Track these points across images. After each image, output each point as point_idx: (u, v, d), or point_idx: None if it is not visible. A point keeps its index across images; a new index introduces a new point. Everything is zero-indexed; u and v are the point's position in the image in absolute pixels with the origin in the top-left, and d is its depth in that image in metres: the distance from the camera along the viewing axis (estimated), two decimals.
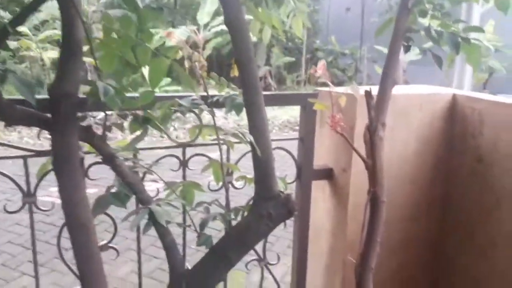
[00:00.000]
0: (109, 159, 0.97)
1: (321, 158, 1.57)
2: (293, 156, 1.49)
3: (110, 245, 1.35)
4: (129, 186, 1.03)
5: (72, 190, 0.94)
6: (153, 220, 1.05)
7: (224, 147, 1.22)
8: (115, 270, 2.75)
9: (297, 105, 1.46)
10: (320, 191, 1.61)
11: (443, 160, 1.55)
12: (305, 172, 1.50)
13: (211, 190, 1.39)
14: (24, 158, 1.18)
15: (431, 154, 1.53)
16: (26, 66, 9.43)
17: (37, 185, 1.21)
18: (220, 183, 1.36)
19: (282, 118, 7.87)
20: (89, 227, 0.96)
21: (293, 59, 10.34)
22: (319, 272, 1.65)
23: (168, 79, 7.64)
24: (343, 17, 10.76)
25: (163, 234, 1.07)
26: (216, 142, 1.20)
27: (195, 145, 1.34)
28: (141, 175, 1.29)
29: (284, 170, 1.51)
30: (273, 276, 1.60)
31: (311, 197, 1.58)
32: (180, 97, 1.15)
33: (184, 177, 1.36)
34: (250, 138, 1.08)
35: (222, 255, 1.06)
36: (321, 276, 1.64)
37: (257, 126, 1.10)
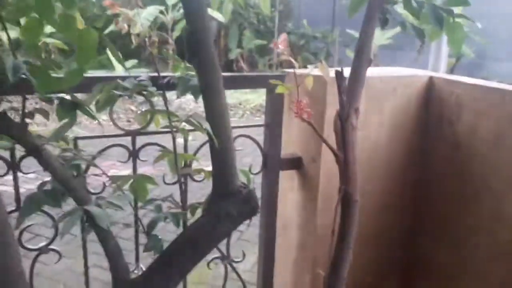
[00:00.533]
0: (33, 151, 0.81)
1: (290, 146, 1.45)
2: (258, 144, 1.36)
3: (51, 247, 1.19)
4: (60, 183, 0.88)
5: None
6: (91, 223, 0.90)
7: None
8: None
9: (262, 87, 1.33)
10: (288, 181, 1.49)
11: (418, 147, 1.45)
12: (272, 161, 1.38)
13: (167, 184, 1.24)
14: None
15: (405, 140, 1.43)
16: None
17: None
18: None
19: (255, 102, 7.72)
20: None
21: (265, 42, 10.14)
22: (287, 267, 1.54)
23: (135, 61, 7.34)
24: None
25: (104, 239, 0.92)
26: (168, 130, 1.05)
27: (147, 133, 1.19)
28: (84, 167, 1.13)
29: (254, 159, 1.38)
30: (238, 275, 1.48)
31: (279, 188, 1.46)
32: (124, 78, 0.99)
33: (134, 169, 1.21)
34: (206, 125, 0.94)
35: (174, 262, 0.92)
36: (290, 272, 1.53)
37: (215, 111, 0.97)
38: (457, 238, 1.39)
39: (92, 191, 1.17)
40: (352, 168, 0.78)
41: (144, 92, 1.05)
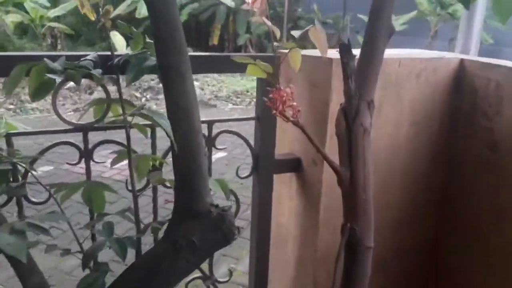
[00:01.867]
0: None
1: (286, 144, 1.19)
2: (247, 142, 1.11)
3: None
4: None
5: None
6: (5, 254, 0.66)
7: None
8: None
9: (241, 72, 1.07)
10: (285, 186, 1.24)
11: (445, 147, 1.18)
12: (264, 163, 1.12)
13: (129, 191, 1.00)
14: None
15: (429, 138, 1.17)
16: None
17: None
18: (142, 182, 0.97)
19: None
20: None
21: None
22: (283, 285, 1.30)
23: None
24: None
25: (25, 274, 0.69)
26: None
27: (101, 129, 0.94)
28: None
29: (245, 159, 1.13)
30: None
31: (275, 193, 1.21)
32: (55, 57, 0.74)
33: (87, 172, 0.96)
34: (162, 122, 0.69)
35: None
36: None
37: (178, 102, 0.71)
38: (491, 256, 1.14)
39: (34, 200, 0.93)
40: (363, 195, 0.53)
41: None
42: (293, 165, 1.16)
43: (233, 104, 6.63)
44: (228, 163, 3.78)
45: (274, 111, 0.52)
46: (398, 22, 7.72)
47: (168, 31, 0.71)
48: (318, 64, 1.03)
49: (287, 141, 1.19)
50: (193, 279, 1.17)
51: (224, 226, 0.70)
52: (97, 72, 0.76)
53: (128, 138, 0.84)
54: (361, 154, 0.54)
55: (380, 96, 1.04)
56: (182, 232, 0.69)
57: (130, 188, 1.00)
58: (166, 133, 0.70)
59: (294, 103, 0.51)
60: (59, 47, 8.85)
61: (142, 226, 0.90)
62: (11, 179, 0.89)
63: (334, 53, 0.86)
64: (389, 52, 1.15)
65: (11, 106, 6.11)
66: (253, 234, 1.22)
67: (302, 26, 10.08)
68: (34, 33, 8.73)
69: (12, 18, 8.19)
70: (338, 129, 0.58)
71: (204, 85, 7.07)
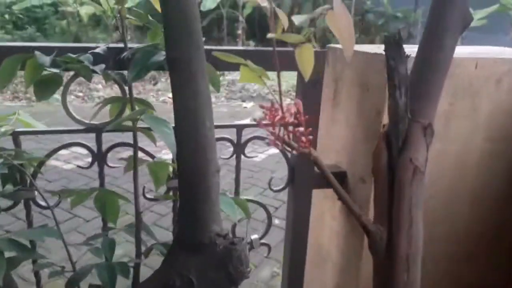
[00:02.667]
0: None
1: (330, 155, 1.03)
2: (282, 152, 0.96)
3: None
4: None
5: None
6: None
7: None
8: None
9: (292, 70, 0.91)
10: (328, 202, 1.07)
11: None
12: (301, 175, 0.97)
13: (148, 199, 0.89)
14: None
15: (507, 159, 0.95)
16: (66, 22, 9.24)
17: None
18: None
19: None
20: None
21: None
22: None
23: None
24: None
25: None
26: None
27: (114, 131, 0.84)
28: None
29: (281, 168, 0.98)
30: None
31: (316, 209, 1.06)
32: (50, 49, 0.64)
33: (101, 178, 0.87)
34: (164, 130, 0.57)
35: None
36: None
37: (186, 105, 0.59)
38: None
39: (43, 204, 0.86)
40: (403, 275, 0.37)
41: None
42: (338, 179, 0.99)
43: (291, 100, 6.46)
44: (279, 160, 3.63)
45: (267, 137, 0.36)
46: (476, 17, 7.09)
47: (181, 19, 0.58)
48: (372, 63, 0.86)
49: (333, 149, 1.03)
50: None
51: (230, 264, 0.56)
52: (99, 67, 0.65)
53: (135, 142, 0.73)
54: (407, 207, 0.37)
55: (448, 105, 0.84)
56: (179, 267, 0.56)
57: (147, 195, 0.90)
58: (169, 147, 0.57)
59: (301, 129, 0.35)
60: (128, 37, 9.17)
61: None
62: (18, 181, 0.82)
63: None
64: (462, 51, 0.94)
65: (80, 94, 6.40)
66: (286, 254, 1.08)
67: (369, 20, 9.63)
68: (106, 24, 9.11)
69: (86, 10, 8.60)
70: (376, 163, 0.42)
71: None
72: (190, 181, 0.59)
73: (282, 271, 1.11)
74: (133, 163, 0.79)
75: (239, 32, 8.77)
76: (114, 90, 6.69)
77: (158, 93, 6.41)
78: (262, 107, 0.27)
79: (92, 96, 6.34)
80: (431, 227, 0.87)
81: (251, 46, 8.74)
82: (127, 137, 0.87)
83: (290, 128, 0.33)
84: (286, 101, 6.55)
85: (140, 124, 0.71)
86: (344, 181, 0.99)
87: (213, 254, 0.56)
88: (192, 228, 0.57)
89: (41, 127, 0.86)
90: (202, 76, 0.60)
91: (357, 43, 0.79)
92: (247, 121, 4.88)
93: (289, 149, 0.31)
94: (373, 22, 9.13)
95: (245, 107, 5.84)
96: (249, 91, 6.53)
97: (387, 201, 0.40)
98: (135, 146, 0.72)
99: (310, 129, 0.31)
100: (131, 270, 0.67)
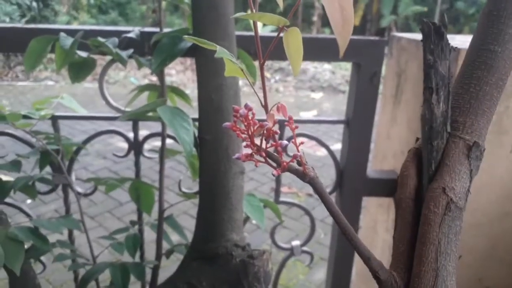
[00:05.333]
0: None
1: (388, 159, 0.91)
2: (331, 152, 0.86)
3: None
4: None
5: None
6: None
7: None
8: None
9: (347, 61, 0.81)
10: (383, 212, 0.96)
11: None
12: (350, 180, 0.87)
13: (183, 193, 0.85)
14: None
15: None
16: (146, 7, 9.62)
17: None
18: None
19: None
20: None
21: (425, 9, 8.84)
22: None
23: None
24: None
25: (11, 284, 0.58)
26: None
27: (148, 119, 0.79)
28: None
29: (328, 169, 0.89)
30: None
31: (369, 218, 0.95)
32: (74, 31, 0.60)
33: (137, 169, 0.84)
34: (176, 124, 0.51)
35: None
36: None
37: (210, 98, 0.52)
38: None
39: (80, 190, 0.85)
40: None
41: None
42: (392, 187, 0.87)
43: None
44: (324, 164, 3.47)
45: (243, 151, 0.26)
46: None
47: (209, 4, 0.51)
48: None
49: (392, 153, 0.91)
50: None
51: (245, 280, 0.49)
52: (126, 53, 0.61)
53: (163, 132, 0.68)
54: (433, 254, 0.27)
55: (504, 108, 0.69)
56: (189, 277, 0.50)
57: (182, 189, 0.86)
58: (184, 144, 0.51)
59: (280, 142, 0.24)
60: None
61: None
62: (56, 166, 0.81)
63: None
64: None
65: (154, 78, 6.66)
66: (330, 265, 0.98)
67: (459, 8, 8.88)
68: (183, 10, 9.38)
69: None
70: (400, 190, 0.32)
71: (336, 68, 6.70)
72: (210, 182, 0.52)
73: (325, 283, 1.02)
74: (170, 153, 0.75)
75: (315, 19, 8.54)
76: (185, 76, 6.87)
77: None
78: (235, 111, 0.20)
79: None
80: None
81: (326, 33, 8.46)
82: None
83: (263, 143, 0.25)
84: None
85: None
86: None
87: (228, 267, 0.49)
88: (208, 236, 0.51)
89: (83, 112, 0.85)
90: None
91: None
92: (313, 112, 4.73)
93: (273, 164, 0.23)
94: (463, 11, 8.41)
95: (313, 98, 5.68)
96: (320, 81, 6.34)
97: (408, 244, 0.30)
98: (163, 136, 0.67)
99: (302, 141, 0.23)
100: (149, 270, 0.63)
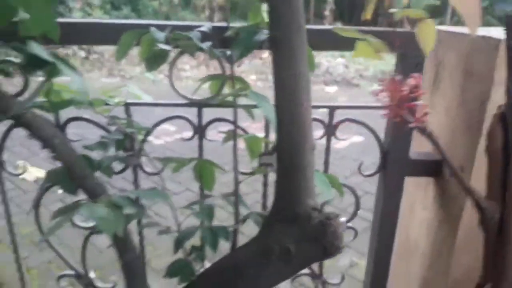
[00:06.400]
0: (17, 120, 0.58)
1: (425, 143, 0.99)
2: (375, 135, 0.94)
3: None
4: (63, 164, 0.65)
5: None
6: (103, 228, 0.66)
7: None
8: None
9: (394, 52, 0.89)
10: (420, 192, 1.04)
11: None
12: (394, 161, 0.95)
13: (242, 173, 0.94)
14: None
15: None
16: (158, 2, 9.69)
17: None
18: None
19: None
20: None
21: (438, 2, 8.82)
22: None
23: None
24: None
25: (121, 251, 0.67)
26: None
27: (216, 105, 0.88)
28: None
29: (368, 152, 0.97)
30: None
31: (407, 198, 1.03)
32: (162, 27, 0.69)
33: (200, 149, 0.93)
34: (266, 106, 0.60)
35: None
36: None
37: (286, 86, 0.61)
38: None
39: (148, 170, 0.94)
40: None
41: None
42: (433, 168, 0.96)
43: (379, 86, 6.21)
44: (363, 150, 3.54)
45: (385, 111, 0.35)
46: None
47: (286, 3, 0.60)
48: (478, 47, 0.80)
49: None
50: (300, 275, 1.08)
51: (325, 238, 0.58)
52: (205, 45, 0.69)
53: (235, 118, 0.77)
54: None
55: None
56: (276, 236, 0.59)
57: (240, 170, 0.95)
58: (266, 119, 0.60)
59: (420, 102, 0.34)
60: (215, 19, 9.45)
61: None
62: (128, 148, 0.90)
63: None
64: None
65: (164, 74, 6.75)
66: (372, 243, 1.07)
67: None
68: (195, 5, 9.46)
69: None
70: (491, 144, 0.40)
71: (349, 62, 6.76)
72: (288, 157, 0.61)
73: (367, 261, 1.10)
74: (230, 137, 0.83)
75: (327, 13, 8.58)
76: (199, 71, 6.97)
77: (242, 74, 6.56)
78: (380, 80, 0.27)
79: (180, 76, 6.67)
80: None
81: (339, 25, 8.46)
82: (222, 113, 0.92)
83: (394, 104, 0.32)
84: (373, 86, 6.34)
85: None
86: (441, 169, 0.95)
87: (308, 227, 0.58)
88: (288, 201, 0.60)
89: (148, 99, 0.94)
90: (303, 56, 0.61)
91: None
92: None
93: (401, 122, 0.31)
94: None
95: (328, 92, 5.74)
96: (333, 74, 6.40)
97: (501, 180, 0.39)
98: (235, 121, 0.75)
99: (427, 104, 0.31)
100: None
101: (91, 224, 1.00)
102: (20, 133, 0.72)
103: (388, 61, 7.09)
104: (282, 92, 0.60)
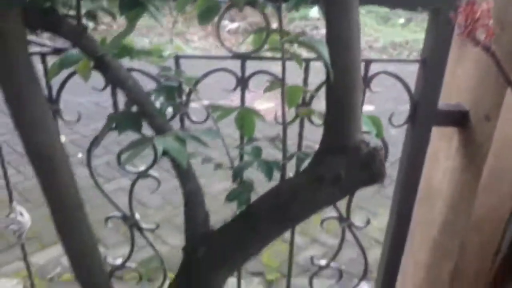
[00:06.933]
0: (97, 62, 0.65)
1: (453, 94, 1.05)
2: (406, 87, 1.01)
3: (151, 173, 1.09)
4: (134, 104, 0.72)
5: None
6: (170, 158, 0.74)
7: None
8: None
9: (423, 6, 0.94)
10: (445, 142, 1.11)
11: None
12: (423, 112, 1.01)
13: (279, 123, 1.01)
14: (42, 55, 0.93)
15: None
16: None
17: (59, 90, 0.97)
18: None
19: None
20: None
21: None
22: (424, 247, 1.21)
23: None
24: None
25: (183, 180, 0.75)
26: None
27: (258, 58, 0.95)
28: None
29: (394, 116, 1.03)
30: (358, 242, 1.22)
31: (430, 150, 1.10)
32: None
33: (242, 100, 1.00)
34: (322, 49, 0.66)
35: (256, 224, 0.71)
36: (425, 257, 1.20)
37: (339, 34, 0.67)
38: None
39: (195, 119, 1.02)
40: None
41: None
42: (458, 118, 1.02)
43: (388, 57, 6.20)
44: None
45: (460, 32, 0.42)
46: None
47: None
48: None
49: (456, 89, 1.05)
50: (328, 218, 1.17)
51: (373, 165, 0.65)
52: None
53: (283, 68, 0.83)
54: None
55: None
56: (328, 165, 0.66)
57: (279, 120, 1.02)
58: (324, 64, 0.66)
59: (490, 22, 0.40)
60: None
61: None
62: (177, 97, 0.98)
63: None
64: None
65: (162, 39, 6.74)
66: (397, 190, 1.15)
67: None
68: None
69: None
70: None
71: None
72: (341, 96, 0.67)
73: (391, 207, 1.19)
74: (273, 86, 0.90)
75: None
76: (208, 42, 6.97)
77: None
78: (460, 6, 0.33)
79: (189, 46, 6.67)
80: None
81: None
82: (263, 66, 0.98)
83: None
84: (383, 57, 6.31)
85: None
86: (466, 119, 1.01)
87: (358, 157, 0.65)
88: (340, 135, 0.67)
89: (189, 52, 1.01)
90: (355, 3, 0.67)
91: None
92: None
93: (475, 42, 0.37)
94: None
95: None
96: None
97: None
98: (283, 69, 0.82)
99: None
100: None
101: (140, 169, 1.09)
102: None
103: (399, 32, 7.04)
104: (336, 40, 0.66)
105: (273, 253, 2.17)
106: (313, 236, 2.40)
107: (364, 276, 1.24)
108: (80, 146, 3.41)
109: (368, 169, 0.65)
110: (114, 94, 0.97)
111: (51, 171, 0.68)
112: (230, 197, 0.75)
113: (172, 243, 2.21)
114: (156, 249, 1.18)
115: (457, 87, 1.04)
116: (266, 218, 0.69)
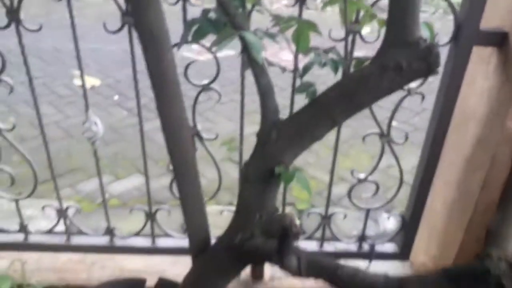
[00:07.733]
0: None
1: (495, 17, 1.13)
2: (452, 7, 1.09)
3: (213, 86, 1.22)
4: (219, 3, 0.83)
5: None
6: (247, 54, 0.85)
7: None
8: None
9: None
10: (483, 63, 1.20)
11: None
12: (466, 32, 1.10)
13: (333, 40, 1.11)
14: None
15: None
16: None
17: None
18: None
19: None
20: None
21: None
22: (455, 165, 1.33)
23: None
24: None
25: (258, 74, 0.87)
26: None
27: None
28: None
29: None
30: (395, 157, 1.34)
31: (468, 72, 1.19)
32: None
33: (300, 15, 1.10)
34: None
35: (323, 111, 0.83)
36: (457, 171, 1.32)
37: None
38: None
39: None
40: None
41: None
42: (498, 38, 1.11)
43: None
44: None
45: None
46: None
47: None
48: None
49: (497, 14, 1.13)
50: (370, 134, 1.29)
51: (430, 57, 0.75)
52: None
53: None
54: None
55: None
56: (391, 56, 0.77)
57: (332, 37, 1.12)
58: None
59: None
60: None
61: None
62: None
63: None
64: None
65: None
66: (435, 109, 1.25)
67: None
68: None
69: None
70: None
71: None
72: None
73: (427, 131, 1.30)
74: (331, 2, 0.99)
75: None
76: None
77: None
78: None
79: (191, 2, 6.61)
80: None
81: None
82: None
83: None
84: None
85: None
86: (505, 40, 1.10)
87: (417, 50, 0.76)
88: (401, 31, 0.77)
89: None
90: None
91: None
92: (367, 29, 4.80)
93: None
94: None
95: None
96: None
97: None
98: None
99: None
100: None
101: (204, 82, 1.21)
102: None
103: None
104: None
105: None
106: (340, 175, 2.54)
107: (400, 184, 1.37)
108: (115, 89, 3.56)
109: (425, 61, 0.76)
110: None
111: (159, 49, 0.81)
112: (299, 90, 0.87)
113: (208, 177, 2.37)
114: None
115: (499, 13, 1.12)
116: (334, 104, 0.81)
